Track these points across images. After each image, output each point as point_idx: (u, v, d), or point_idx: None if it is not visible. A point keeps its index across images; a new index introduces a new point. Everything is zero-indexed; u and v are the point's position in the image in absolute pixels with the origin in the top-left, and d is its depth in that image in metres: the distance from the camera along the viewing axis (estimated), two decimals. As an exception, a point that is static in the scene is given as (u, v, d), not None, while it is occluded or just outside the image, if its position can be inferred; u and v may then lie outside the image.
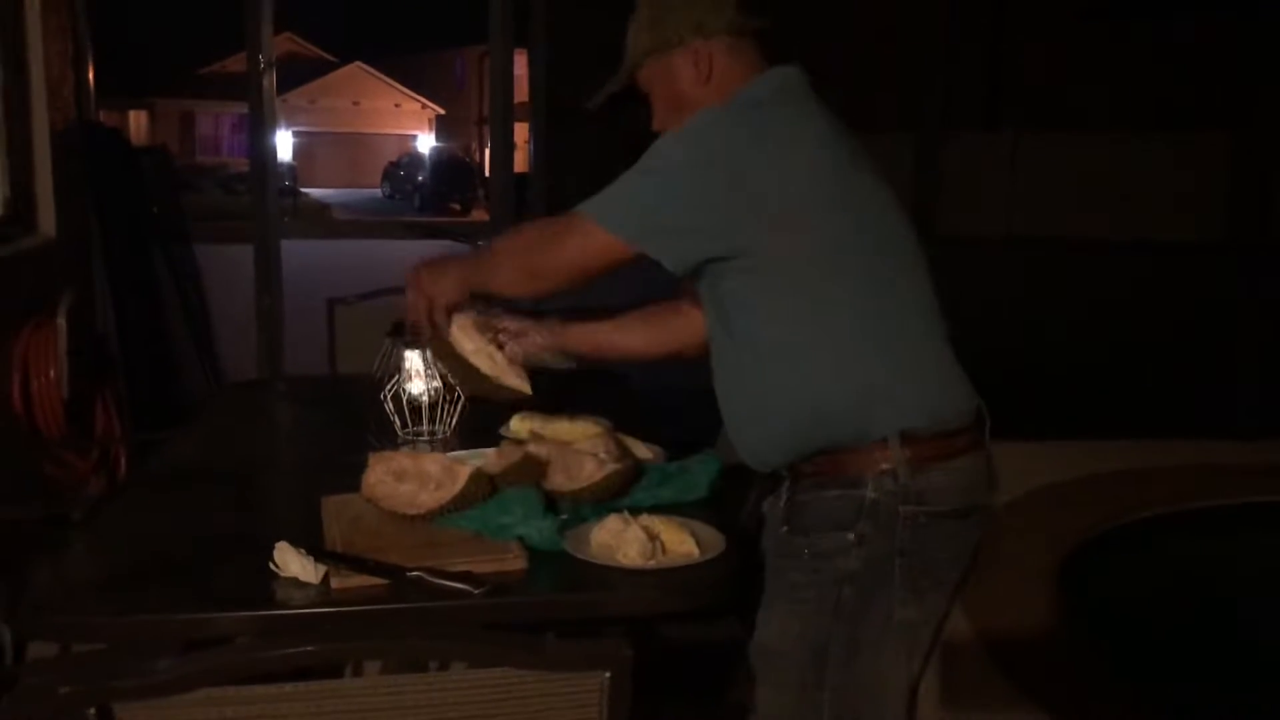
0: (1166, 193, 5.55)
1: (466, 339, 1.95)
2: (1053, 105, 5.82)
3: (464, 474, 1.79)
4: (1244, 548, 4.11)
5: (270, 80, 4.88)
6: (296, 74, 35.12)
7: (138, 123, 31.83)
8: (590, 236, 1.64)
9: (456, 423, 2.23)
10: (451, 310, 1.89)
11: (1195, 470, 4.67)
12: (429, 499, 1.78)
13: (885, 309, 1.62)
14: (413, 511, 1.78)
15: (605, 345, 2.09)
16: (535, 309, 2.04)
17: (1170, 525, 4.17)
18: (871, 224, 1.64)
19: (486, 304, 1.98)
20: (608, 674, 1.20)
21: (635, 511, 1.75)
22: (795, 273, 1.59)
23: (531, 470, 1.87)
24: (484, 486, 1.81)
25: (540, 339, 2.01)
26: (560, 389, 2.16)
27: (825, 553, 1.62)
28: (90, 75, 4.79)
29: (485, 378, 1.96)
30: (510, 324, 2.00)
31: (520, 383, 1.99)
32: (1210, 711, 2.94)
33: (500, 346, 1.98)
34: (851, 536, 1.60)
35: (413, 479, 1.81)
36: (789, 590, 1.67)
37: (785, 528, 1.69)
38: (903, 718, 1.70)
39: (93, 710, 1.09)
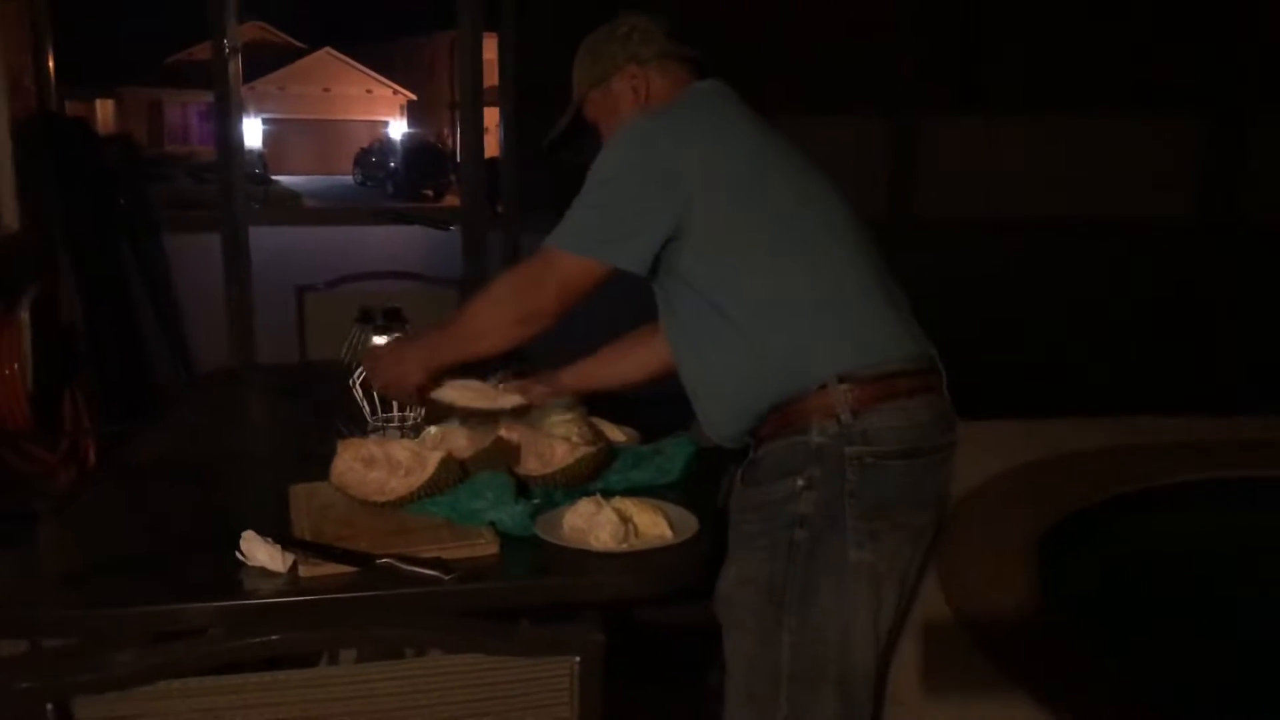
0: (1140, 173, 5.57)
1: (450, 390, 2.03)
2: (1027, 87, 5.83)
3: (434, 460, 1.78)
4: (1220, 523, 4.13)
5: (236, 66, 4.82)
6: (265, 61, 34.85)
7: (104, 112, 31.48)
8: (565, 267, 1.75)
9: (425, 409, 2.20)
10: (420, 390, 1.99)
11: (1173, 447, 4.69)
12: (398, 485, 1.76)
13: (819, 266, 1.72)
14: (382, 498, 1.76)
15: (601, 379, 2.19)
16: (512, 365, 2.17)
17: (1145, 502, 4.19)
18: (801, 192, 1.76)
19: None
20: (578, 658, 1.19)
21: (609, 495, 1.74)
22: (728, 244, 1.71)
23: (503, 455, 1.86)
24: (454, 472, 1.79)
25: (541, 390, 2.11)
26: (532, 376, 2.14)
27: (776, 500, 1.67)
28: (51, 64, 4.72)
29: (488, 412, 2.02)
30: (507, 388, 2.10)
31: (518, 398, 2.06)
32: (1191, 687, 2.96)
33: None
34: (800, 481, 1.65)
35: (382, 465, 1.80)
36: (745, 540, 1.72)
37: (741, 483, 1.75)
38: (871, 666, 1.70)
39: (51, 706, 1.07)
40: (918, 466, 1.68)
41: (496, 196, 5.38)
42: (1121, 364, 5.36)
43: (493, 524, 1.67)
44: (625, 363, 2.18)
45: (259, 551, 1.55)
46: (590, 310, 1.83)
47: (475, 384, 2.04)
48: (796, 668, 1.66)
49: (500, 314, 1.83)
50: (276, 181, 27.05)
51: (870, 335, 1.69)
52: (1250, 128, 5.43)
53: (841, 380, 1.64)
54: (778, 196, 1.74)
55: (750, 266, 1.71)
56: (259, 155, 28.27)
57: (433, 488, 1.76)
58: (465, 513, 1.71)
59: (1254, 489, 4.31)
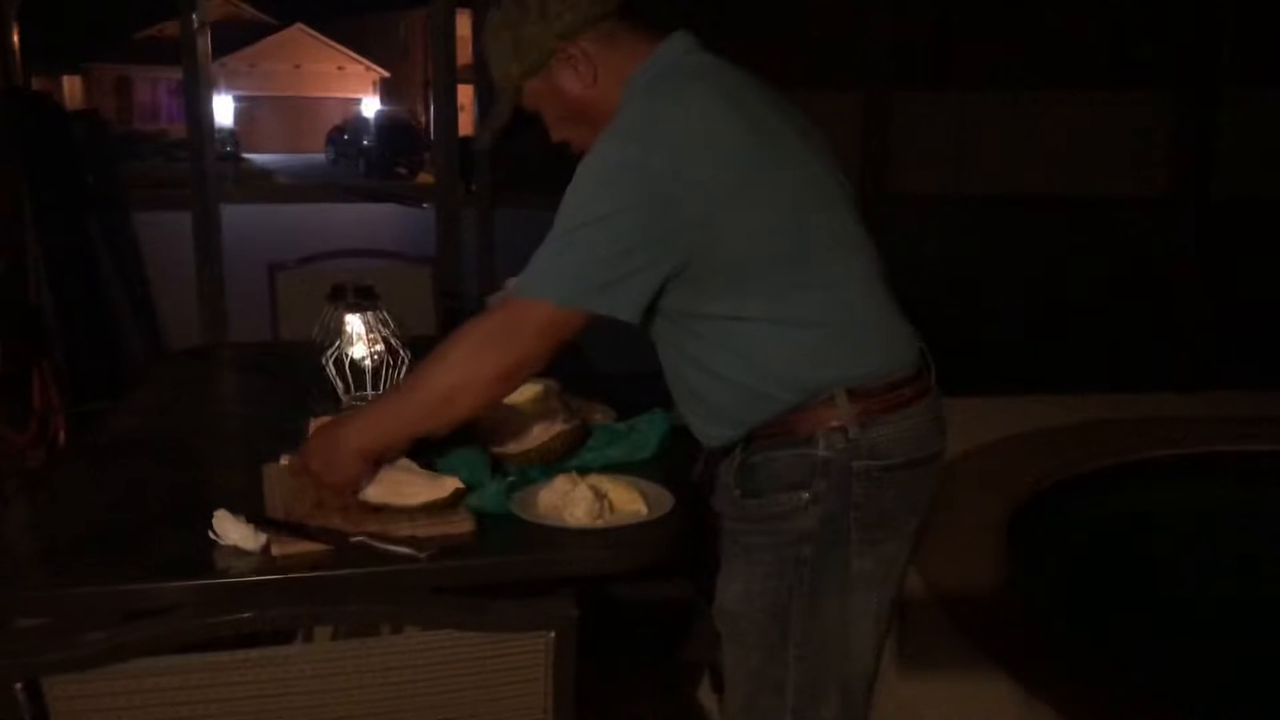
0: (1110, 150, 5.61)
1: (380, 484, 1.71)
2: (999, 64, 5.84)
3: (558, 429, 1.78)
4: (1188, 498, 4.18)
5: (205, 42, 4.76)
6: (235, 37, 34.47)
7: (72, 89, 31.08)
8: (541, 317, 1.53)
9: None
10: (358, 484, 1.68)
11: (1141, 423, 4.74)
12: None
13: (826, 277, 1.58)
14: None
15: None
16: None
17: (1116, 477, 4.23)
18: (804, 191, 1.59)
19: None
20: (552, 633, 1.19)
21: (584, 471, 1.74)
22: (733, 262, 1.54)
23: (477, 432, 1.85)
24: (429, 449, 1.78)
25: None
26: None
27: (781, 513, 1.61)
28: (16, 39, 4.64)
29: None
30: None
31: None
32: (1161, 661, 3.00)
33: None
34: (806, 496, 1.59)
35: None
36: (746, 553, 1.66)
37: (738, 491, 1.67)
38: (871, 664, 1.70)
39: (20, 686, 1.06)
40: (917, 476, 1.64)
41: (470, 174, 5.35)
42: (1091, 340, 5.41)
43: (470, 505, 1.67)
44: None
45: (232, 530, 1.54)
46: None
47: (408, 467, 1.73)
48: (802, 680, 1.64)
49: (474, 370, 1.56)
50: (248, 159, 26.82)
51: (875, 346, 1.61)
52: (1222, 105, 5.46)
53: (850, 393, 1.57)
54: (781, 200, 1.55)
55: (754, 283, 1.55)
56: (230, 133, 28.00)
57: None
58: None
59: (1222, 464, 4.37)
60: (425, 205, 5.17)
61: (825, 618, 1.62)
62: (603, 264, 1.50)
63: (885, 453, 1.60)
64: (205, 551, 1.54)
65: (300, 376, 2.25)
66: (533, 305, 1.53)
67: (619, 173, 1.51)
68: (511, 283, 1.75)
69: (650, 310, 1.59)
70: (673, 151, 1.50)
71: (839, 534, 1.59)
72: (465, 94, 5.30)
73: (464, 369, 1.57)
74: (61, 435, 3.95)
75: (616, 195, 1.50)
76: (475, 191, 5.23)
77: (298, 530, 1.58)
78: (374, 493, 1.65)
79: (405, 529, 1.59)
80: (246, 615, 1.10)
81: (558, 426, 1.83)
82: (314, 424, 1.86)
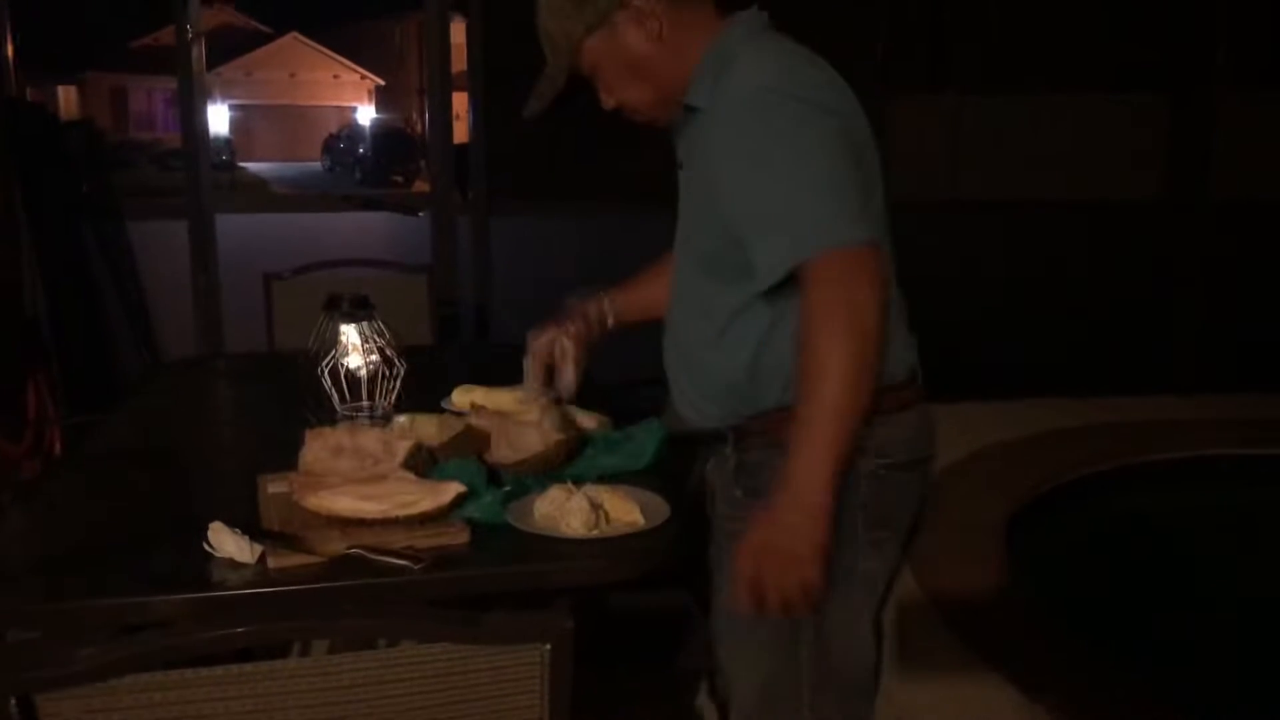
0: (1108, 154, 5.60)
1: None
2: (996, 67, 5.84)
3: (403, 448, 1.76)
4: (1186, 501, 4.18)
5: (200, 51, 4.76)
6: (231, 46, 34.45)
7: (67, 98, 31.04)
8: (853, 265, 1.46)
9: (396, 396, 2.19)
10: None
11: (1137, 427, 4.74)
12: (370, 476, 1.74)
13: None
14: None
15: (654, 310, 1.90)
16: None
17: (1113, 481, 4.23)
18: (875, 173, 1.61)
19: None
20: (548, 646, 1.18)
21: (579, 481, 1.74)
22: None
23: (473, 442, 1.85)
24: (424, 460, 1.78)
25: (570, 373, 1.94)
26: (504, 362, 2.13)
27: None
28: (10, 49, 4.64)
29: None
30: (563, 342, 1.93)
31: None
32: (1160, 665, 2.99)
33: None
34: None
35: (350, 455, 1.78)
36: None
37: (739, 491, 1.67)
38: (877, 658, 1.70)
39: (13, 701, 1.05)
40: (916, 477, 1.65)
41: (466, 182, 5.34)
42: (1089, 344, 5.40)
43: (466, 516, 1.66)
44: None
45: (227, 542, 1.53)
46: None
47: (406, 476, 1.73)
48: (817, 678, 1.64)
49: (854, 367, 1.45)
50: (243, 168, 26.80)
51: (889, 345, 1.58)
52: (1218, 108, 5.47)
53: None
54: (873, 176, 1.58)
55: None
56: (225, 141, 27.99)
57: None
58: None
59: (1221, 467, 4.37)
60: (421, 214, 5.16)
61: (834, 617, 1.62)
62: (850, 188, 1.49)
63: (890, 451, 1.60)
64: (200, 564, 1.53)
65: (296, 387, 2.25)
66: (843, 258, 1.46)
67: (804, 109, 1.49)
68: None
69: (709, 280, 1.62)
70: (831, 86, 1.54)
71: (846, 534, 1.58)
72: (460, 101, 5.30)
73: (855, 369, 1.46)
74: (57, 446, 3.94)
75: (823, 130, 1.49)
76: (471, 200, 5.23)
77: (293, 542, 1.57)
78: (373, 506, 1.64)
79: (401, 540, 1.58)
80: (240, 630, 1.10)
81: (553, 436, 1.83)
82: (310, 434, 1.86)
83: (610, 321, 1.97)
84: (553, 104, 1.68)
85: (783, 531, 1.47)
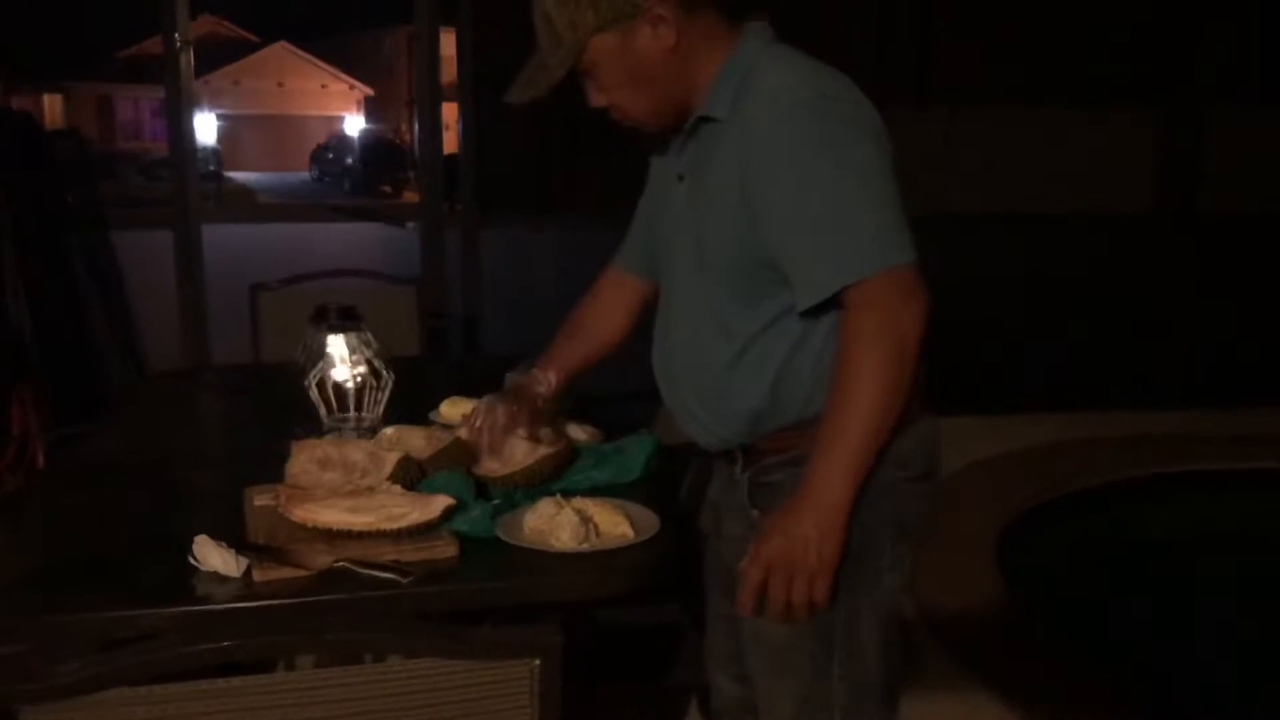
0: (1097, 167, 5.63)
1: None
2: (983, 82, 5.87)
3: (391, 460, 1.75)
4: (1174, 515, 4.19)
5: (188, 60, 4.74)
6: (218, 55, 34.45)
7: (52, 108, 30.97)
8: (901, 288, 1.45)
9: (384, 409, 2.18)
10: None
11: (1128, 441, 4.75)
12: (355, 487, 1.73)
13: None
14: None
15: (592, 357, 1.96)
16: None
17: (1103, 496, 4.24)
18: None
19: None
20: (537, 661, 1.17)
21: (569, 494, 1.73)
22: None
23: (461, 455, 1.84)
24: (412, 472, 1.77)
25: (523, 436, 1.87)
26: (495, 375, 2.12)
27: None
28: (-4, 57, 4.63)
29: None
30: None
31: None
32: (1148, 680, 3.00)
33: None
34: None
35: (337, 467, 1.77)
36: None
37: (757, 512, 1.62)
38: (901, 667, 1.68)
39: (-5, 718, 1.04)
40: (930, 487, 1.63)
41: (455, 193, 5.34)
42: (1078, 356, 5.42)
43: (454, 529, 1.65)
44: (605, 326, 1.95)
45: (212, 556, 1.52)
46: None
47: (394, 489, 1.73)
48: (848, 699, 1.61)
49: (889, 382, 1.45)
50: (230, 178, 26.76)
51: None
52: (1206, 121, 5.50)
53: None
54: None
55: None
56: (213, 151, 27.93)
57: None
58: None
59: (1206, 482, 4.38)
60: (409, 225, 5.15)
61: (864, 634, 1.59)
62: (896, 206, 1.47)
63: (911, 463, 1.58)
64: (186, 578, 1.51)
65: (282, 399, 2.23)
66: (892, 279, 1.44)
67: (856, 129, 1.49)
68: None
69: (723, 306, 1.58)
70: (863, 101, 1.52)
71: (875, 548, 1.56)
72: (450, 112, 5.30)
73: (889, 385, 1.45)
74: (40, 459, 3.91)
75: (869, 145, 1.48)
76: (460, 211, 5.22)
77: (279, 556, 1.55)
78: (360, 519, 1.63)
79: (389, 553, 1.57)
80: (225, 644, 1.08)
81: (543, 448, 1.82)
82: (297, 446, 1.84)
83: (550, 390, 1.93)
84: (545, 93, 1.59)
85: (798, 543, 1.46)
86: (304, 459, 1.80)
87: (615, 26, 1.52)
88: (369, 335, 2.22)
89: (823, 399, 1.54)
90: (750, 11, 1.61)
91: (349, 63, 37.97)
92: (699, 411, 1.67)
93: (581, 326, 1.97)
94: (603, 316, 1.96)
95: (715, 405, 1.64)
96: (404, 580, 1.49)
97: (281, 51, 37.98)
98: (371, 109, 38.21)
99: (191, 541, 1.54)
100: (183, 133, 4.80)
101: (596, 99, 1.61)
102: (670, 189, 1.69)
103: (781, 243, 1.51)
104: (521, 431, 1.83)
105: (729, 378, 1.61)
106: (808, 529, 1.46)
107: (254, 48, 37.97)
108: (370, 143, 28.91)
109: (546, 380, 1.93)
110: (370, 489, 1.71)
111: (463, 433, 1.88)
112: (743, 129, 1.53)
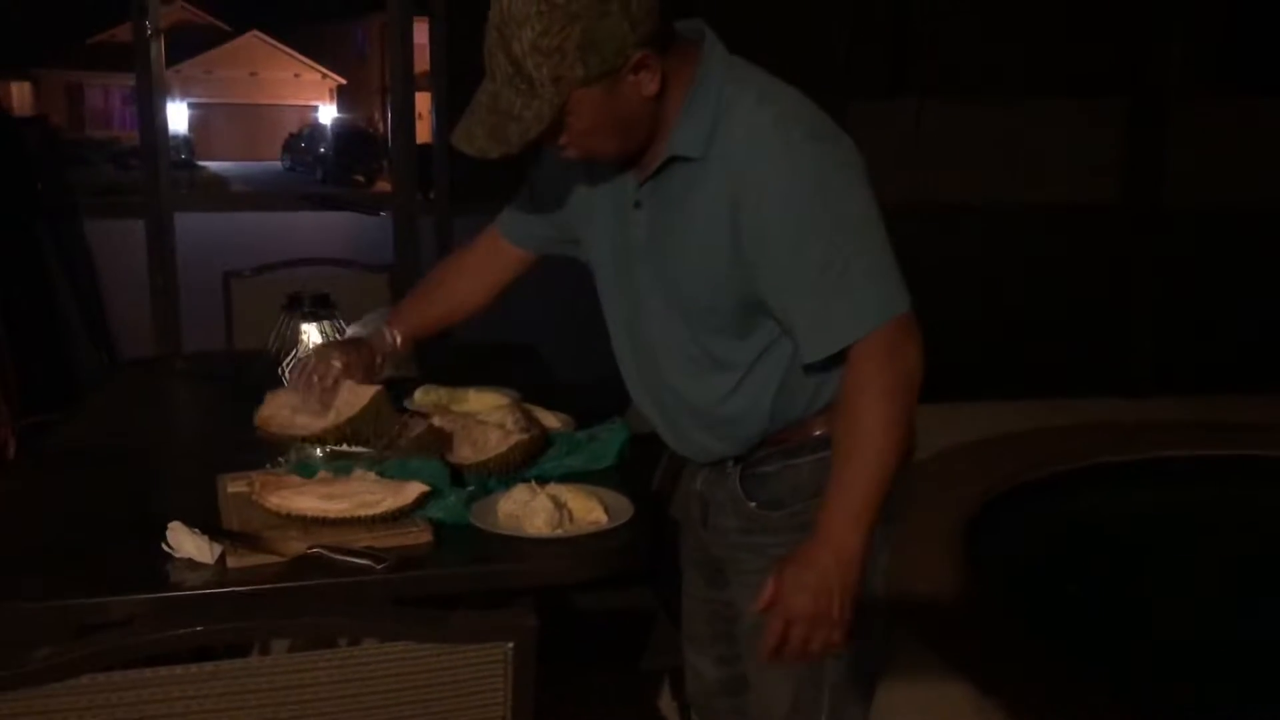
0: (1065, 159, 5.66)
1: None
2: (955, 72, 5.89)
3: (367, 394, 1.77)
4: (1140, 502, 4.25)
5: (159, 48, 4.71)
6: (190, 43, 34.10)
7: (21, 95, 30.57)
8: (904, 333, 1.44)
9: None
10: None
11: (1093, 429, 4.80)
12: (327, 420, 1.76)
13: None
14: (305, 434, 1.78)
15: (447, 319, 1.96)
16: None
17: (1068, 483, 4.29)
18: None
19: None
20: (511, 644, 1.18)
21: (543, 481, 1.74)
22: None
23: (436, 442, 1.84)
24: (386, 410, 1.79)
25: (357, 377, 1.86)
26: (467, 362, 2.13)
27: (813, 520, 1.48)
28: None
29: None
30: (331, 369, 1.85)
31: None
32: (1115, 666, 3.04)
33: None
34: None
35: (310, 410, 1.79)
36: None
37: (753, 504, 1.63)
38: (874, 653, 1.71)
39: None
40: (908, 471, 1.61)
41: (428, 182, 5.32)
42: (1044, 348, 5.46)
43: (429, 516, 1.66)
44: (465, 287, 1.92)
45: (186, 542, 1.52)
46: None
47: (367, 477, 1.73)
48: (839, 678, 1.64)
49: (901, 430, 1.46)
50: (203, 166, 26.51)
51: None
52: (1173, 114, 5.55)
53: None
54: None
55: None
56: (184, 140, 27.70)
57: (359, 423, 1.76)
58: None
59: (1173, 469, 4.44)
60: (382, 214, 5.13)
61: (856, 613, 1.57)
62: (889, 250, 1.46)
63: None
64: (159, 564, 1.52)
65: (255, 387, 2.23)
66: (890, 331, 1.44)
67: (849, 171, 1.46)
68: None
69: (732, 327, 1.56)
70: (841, 138, 1.49)
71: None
72: (423, 101, 5.28)
73: (900, 434, 1.45)
74: (11, 447, 3.88)
75: (863, 188, 1.46)
76: (432, 200, 5.21)
77: (253, 542, 1.56)
78: (334, 505, 1.63)
79: (363, 539, 1.58)
80: (199, 629, 1.09)
81: (516, 436, 1.83)
82: (270, 394, 1.87)
83: (394, 349, 1.92)
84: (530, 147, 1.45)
85: (821, 598, 1.43)
86: (278, 403, 1.83)
87: (606, 79, 1.40)
88: (342, 322, 2.22)
89: (822, 399, 1.57)
90: (680, 12, 1.50)
91: (321, 52, 37.67)
92: (701, 439, 1.66)
93: (444, 285, 1.95)
94: (472, 277, 1.93)
95: (719, 432, 1.64)
96: (378, 566, 1.50)
97: (254, 41, 37.63)
98: (344, 98, 37.94)
99: (164, 528, 1.54)
100: (154, 121, 4.77)
101: (567, 153, 1.50)
102: (623, 210, 1.60)
103: (783, 297, 1.49)
104: (349, 383, 1.81)
105: (731, 406, 1.60)
106: (830, 582, 1.43)
107: (225, 36, 37.59)
108: (343, 132, 28.77)
109: (392, 338, 1.92)
110: (345, 477, 1.72)
111: (437, 420, 1.88)
112: (728, 175, 1.47)
